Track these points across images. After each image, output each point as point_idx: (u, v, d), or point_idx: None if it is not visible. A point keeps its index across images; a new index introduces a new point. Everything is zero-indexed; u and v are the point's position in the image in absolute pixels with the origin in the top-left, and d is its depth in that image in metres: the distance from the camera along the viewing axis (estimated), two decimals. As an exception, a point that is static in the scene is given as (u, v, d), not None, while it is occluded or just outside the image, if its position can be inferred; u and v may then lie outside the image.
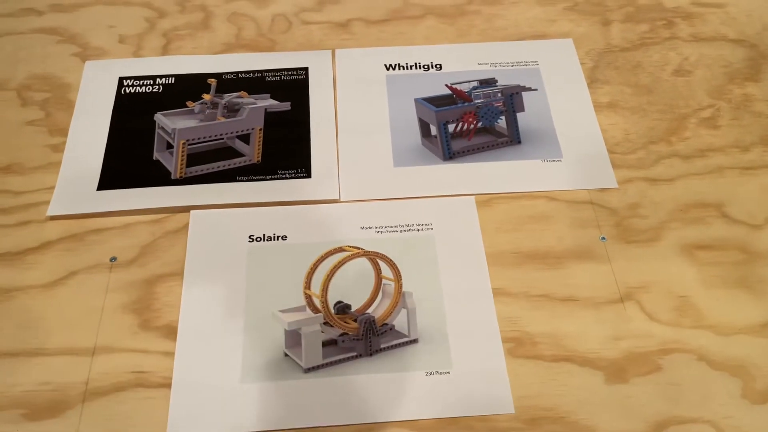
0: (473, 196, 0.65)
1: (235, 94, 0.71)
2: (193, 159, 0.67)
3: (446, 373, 0.55)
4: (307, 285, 0.58)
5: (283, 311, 0.57)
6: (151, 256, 0.61)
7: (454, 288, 0.59)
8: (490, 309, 0.58)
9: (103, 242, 0.62)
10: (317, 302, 0.57)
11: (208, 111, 0.69)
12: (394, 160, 0.68)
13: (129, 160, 0.67)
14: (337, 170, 0.67)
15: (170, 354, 0.56)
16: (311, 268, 0.58)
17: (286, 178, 0.66)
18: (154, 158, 0.68)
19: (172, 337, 0.56)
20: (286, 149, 0.68)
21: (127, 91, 0.73)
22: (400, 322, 0.58)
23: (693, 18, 0.80)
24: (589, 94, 0.73)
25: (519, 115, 0.71)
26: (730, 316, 0.58)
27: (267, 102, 0.70)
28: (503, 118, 0.71)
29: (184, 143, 0.67)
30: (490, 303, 0.58)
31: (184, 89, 0.72)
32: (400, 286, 0.59)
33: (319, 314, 0.57)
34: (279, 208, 0.64)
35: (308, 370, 0.55)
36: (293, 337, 0.56)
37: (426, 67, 0.75)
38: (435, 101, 0.71)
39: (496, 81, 0.73)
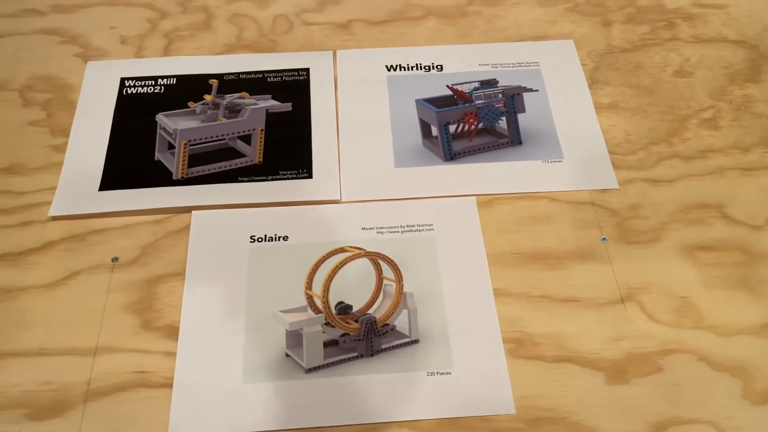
0: (474, 197, 0.65)
1: (236, 94, 0.71)
2: (194, 159, 0.67)
3: (447, 373, 0.55)
4: (309, 285, 0.58)
5: (284, 311, 0.57)
6: (153, 257, 0.61)
7: (455, 288, 0.59)
8: (491, 309, 0.58)
9: (105, 242, 0.62)
10: (318, 303, 0.57)
11: (209, 112, 0.69)
12: (395, 161, 0.68)
13: (131, 160, 0.67)
14: (338, 171, 0.67)
15: (172, 354, 0.56)
16: (312, 269, 0.58)
17: (288, 178, 0.66)
18: (155, 159, 0.68)
19: (174, 337, 0.57)
20: (287, 150, 0.69)
21: (129, 91, 0.73)
22: (401, 322, 0.58)
23: (694, 19, 0.81)
24: (590, 95, 0.73)
25: (520, 115, 0.71)
26: (730, 316, 0.58)
27: (268, 103, 0.71)
28: (504, 118, 0.71)
29: (185, 144, 0.67)
30: (491, 303, 0.59)
31: (186, 90, 0.72)
32: (401, 287, 0.59)
33: (320, 315, 0.57)
34: (280, 209, 0.64)
35: (309, 371, 0.55)
36: (294, 338, 0.56)
37: (427, 67, 0.75)
38: (436, 102, 0.71)
39: (497, 82, 0.73)
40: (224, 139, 0.70)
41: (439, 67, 0.75)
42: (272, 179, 0.66)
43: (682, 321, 0.58)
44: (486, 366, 0.55)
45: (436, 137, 0.69)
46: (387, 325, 0.58)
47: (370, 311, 0.59)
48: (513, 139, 0.70)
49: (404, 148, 0.69)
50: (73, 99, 0.72)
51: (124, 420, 0.53)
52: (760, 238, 0.63)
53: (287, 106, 0.71)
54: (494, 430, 0.53)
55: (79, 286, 0.59)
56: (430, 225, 0.63)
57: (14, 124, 0.70)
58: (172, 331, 0.57)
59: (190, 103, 0.70)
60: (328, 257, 0.59)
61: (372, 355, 0.57)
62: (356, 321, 0.58)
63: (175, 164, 0.67)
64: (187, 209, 0.64)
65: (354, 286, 0.60)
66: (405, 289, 0.59)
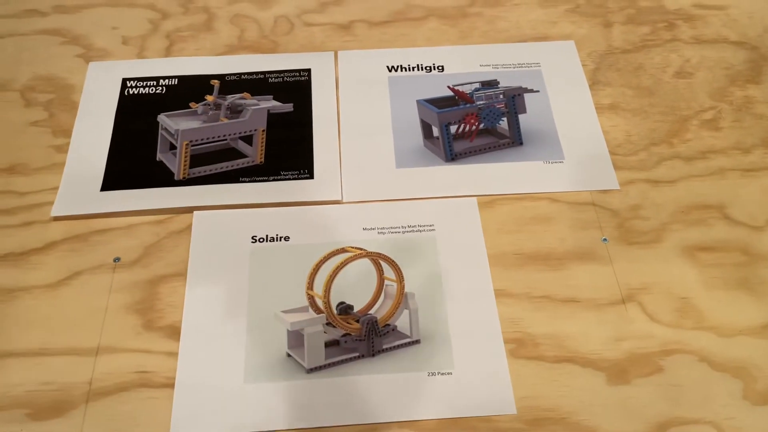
0: (475, 198, 0.65)
1: (237, 95, 0.71)
2: (196, 160, 0.68)
3: (448, 373, 0.55)
4: (310, 285, 0.58)
5: (285, 312, 0.57)
6: (155, 257, 0.61)
7: (456, 289, 0.60)
8: (492, 310, 0.58)
9: (107, 243, 0.62)
10: (320, 303, 0.58)
11: (211, 112, 0.70)
12: (396, 162, 0.68)
13: (132, 161, 0.67)
14: (339, 171, 0.67)
15: (173, 354, 0.56)
16: (314, 269, 0.58)
17: (289, 179, 0.66)
18: (157, 159, 0.68)
19: (176, 337, 0.57)
20: (288, 150, 0.69)
21: (131, 92, 0.73)
22: (402, 322, 0.59)
23: (694, 20, 0.81)
24: (590, 96, 0.73)
25: (521, 116, 0.71)
26: (731, 317, 0.59)
27: (270, 103, 0.71)
28: (505, 119, 0.72)
29: (187, 144, 0.67)
30: (492, 304, 0.59)
31: (188, 90, 0.72)
32: (403, 287, 0.59)
33: (321, 315, 0.57)
34: (282, 209, 0.64)
35: (311, 371, 0.55)
36: (296, 338, 0.56)
37: (428, 68, 0.76)
38: (437, 103, 0.71)
39: (498, 82, 0.73)
40: (226, 140, 0.70)
41: (440, 67, 0.76)
42: (274, 180, 0.66)
43: (683, 321, 0.58)
44: (487, 366, 0.56)
45: (437, 138, 0.70)
46: (388, 325, 0.58)
47: (372, 311, 0.59)
48: (514, 140, 0.71)
49: (405, 149, 0.69)
50: (75, 99, 0.72)
51: (125, 420, 0.53)
52: (761, 238, 0.63)
53: (288, 107, 0.71)
54: (495, 430, 0.53)
55: (81, 286, 0.59)
56: (431, 225, 0.63)
57: (16, 124, 0.70)
58: (173, 331, 0.57)
59: (191, 104, 0.71)
60: (329, 257, 0.59)
61: (373, 355, 0.57)
62: (357, 321, 0.58)
63: (176, 165, 0.67)
64: (189, 209, 0.64)
65: (355, 287, 0.60)
66: (406, 290, 0.59)
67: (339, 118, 0.71)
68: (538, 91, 0.73)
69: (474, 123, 0.71)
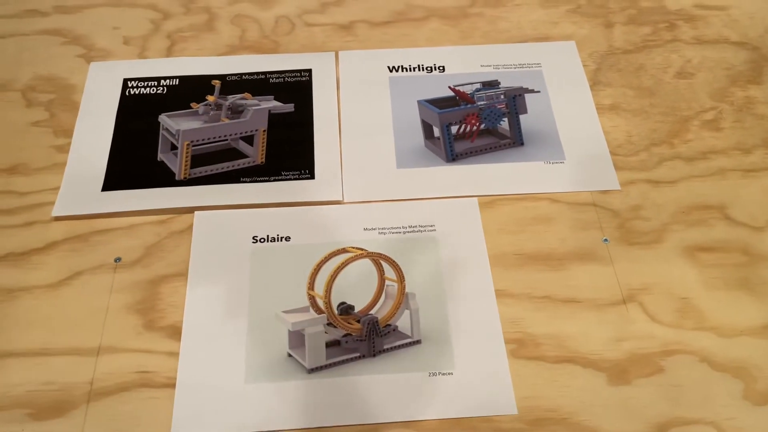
0: (476, 198, 0.65)
1: (238, 95, 0.71)
2: (197, 160, 0.68)
3: (449, 374, 0.55)
4: (311, 286, 0.58)
5: (286, 312, 0.57)
6: (156, 257, 0.61)
7: (457, 289, 0.60)
8: (492, 310, 0.58)
9: (108, 243, 0.62)
10: (321, 303, 0.58)
11: (212, 112, 0.70)
12: (397, 162, 0.68)
13: (133, 161, 0.68)
14: (340, 171, 0.67)
15: (174, 354, 0.56)
16: (315, 269, 0.58)
17: (290, 179, 0.66)
18: (158, 159, 0.68)
19: (177, 337, 0.57)
20: (289, 151, 0.69)
21: (132, 92, 0.73)
22: (403, 323, 0.59)
23: (695, 20, 0.81)
24: (591, 96, 0.73)
25: (522, 117, 0.71)
26: (732, 317, 0.59)
27: (271, 103, 0.71)
28: (506, 119, 0.72)
29: (188, 144, 0.67)
30: (493, 304, 0.59)
31: (189, 91, 0.73)
32: (403, 287, 0.59)
33: (322, 315, 0.57)
34: (282, 209, 0.64)
35: (312, 371, 0.55)
36: (297, 338, 0.56)
37: (429, 69, 0.76)
38: (438, 103, 0.71)
39: (499, 83, 0.73)
40: (227, 140, 0.70)
41: (441, 68, 0.76)
42: (275, 180, 0.66)
43: (684, 322, 0.58)
44: (488, 366, 0.56)
45: (438, 138, 0.70)
46: (389, 325, 0.58)
47: (372, 312, 0.59)
48: (515, 140, 0.71)
49: (406, 149, 0.69)
50: (76, 99, 0.72)
51: (126, 420, 0.53)
52: (762, 239, 0.63)
53: (289, 107, 0.71)
54: (496, 430, 0.53)
55: (82, 287, 0.60)
56: (432, 226, 0.63)
57: (17, 124, 0.70)
58: (174, 331, 0.57)
59: (192, 104, 0.71)
60: (330, 258, 0.59)
61: (374, 355, 0.57)
62: (358, 321, 0.58)
63: (177, 165, 0.67)
64: (190, 210, 0.64)
65: (356, 287, 0.60)
66: (407, 290, 0.59)
67: (340, 119, 0.71)
68: (539, 92, 0.73)
69: (475, 123, 0.71)
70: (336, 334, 0.57)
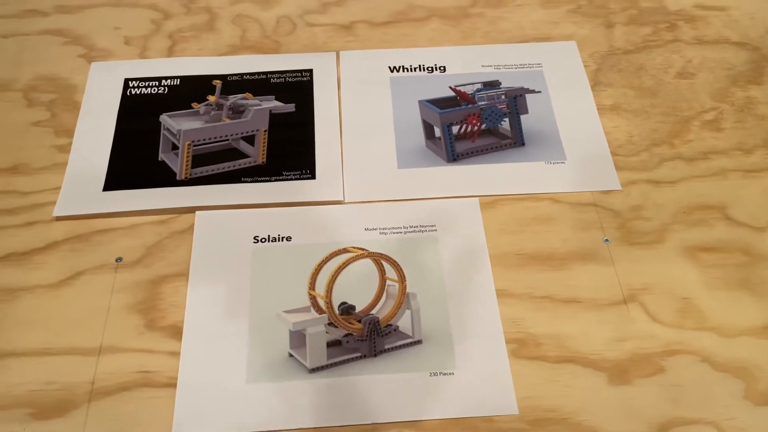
0: (477, 198, 0.65)
1: (239, 95, 0.71)
2: (198, 160, 0.68)
3: (450, 373, 0.55)
4: (312, 286, 0.58)
5: (287, 312, 0.57)
6: (157, 257, 0.61)
7: (458, 289, 0.60)
8: (493, 310, 0.58)
9: (109, 243, 0.62)
10: (322, 303, 0.58)
11: (213, 112, 0.70)
12: (398, 162, 0.68)
13: (134, 161, 0.68)
14: (341, 171, 0.67)
15: (176, 354, 0.56)
16: (316, 269, 0.58)
17: (291, 179, 0.67)
18: (159, 159, 0.68)
19: (178, 337, 0.57)
20: (290, 151, 0.69)
21: (133, 92, 0.73)
22: (404, 323, 0.59)
23: (696, 21, 0.81)
24: (592, 97, 0.73)
25: (523, 117, 0.71)
26: (732, 317, 0.59)
27: (272, 103, 0.71)
28: (507, 120, 0.72)
29: (189, 144, 0.67)
30: (494, 304, 0.59)
31: (190, 91, 0.73)
32: (404, 287, 0.59)
33: (323, 315, 0.57)
34: (284, 209, 0.65)
35: (313, 371, 0.55)
36: (298, 338, 0.56)
37: (430, 69, 0.76)
38: (439, 103, 0.71)
39: (500, 83, 0.73)
40: (228, 140, 0.70)
41: (442, 68, 0.76)
42: (275, 180, 0.66)
43: (685, 322, 0.58)
44: (489, 366, 0.56)
45: (439, 138, 0.70)
46: (390, 325, 0.58)
47: (373, 312, 0.59)
48: (516, 141, 0.71)
49: (407, 149, 0.69)
50: (77, 99, 0.72)
51: (128, 420, 0.53)
52: (763, 239, 0.63)
53: (290, 107, 0.71)
54: (497, 430, 0.53)
55: (83, 286, 0.60)
56: (432, 226, 0.63)
57: (18, 124, 0.70)
58: (175, 331, 0.57)
59: (193, 104, 0.71)
60: (331, 258, 0.59)
61: (375, 355, 0.57)
62: (359, 321, 0.58)
63: (178, 165, 0.67)
64: (191, 209, 0.64)
65: (357, 287, 0.60)
66: (408, 290, 0.59)
67: (341, 119, 0.71)
68: (539, 92, 0.73)
69: (476, 123, 0.71)
70: (337, 334, 0.57)
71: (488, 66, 0.76)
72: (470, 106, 0.71)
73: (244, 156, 0.69)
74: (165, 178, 0.66)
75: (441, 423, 0.53)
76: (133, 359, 0.56)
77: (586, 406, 0.54)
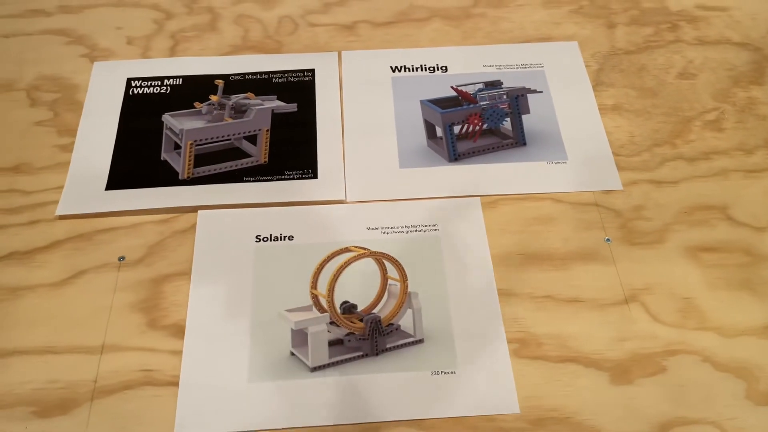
0: (478, 198, 0.65)
1: (242, 95, 0.71)
2: (200, 159, 0.68)
3: (452, 373, 0.55)
4: (314, 285, 0.58)
5: (289, 311, 0.58)
6: (159, 256, 0.61)
7: (460, 288, 0.60)
8: (495, 310, 0.59)
9: (112, 242, 0.62)
10: (323, 302, 0.58)
11: (215, 112, 0.70)
12: (399, 161, 0.68)
13: (137, 160, 0.68)
14: (343, 171, 0.67)
15: (178, 353, 0.56)
16: (317, 268, 0.59)
17: (293, 178, 0.67)
18: (161, 159, 0.68)
19: (180, 335, 0.57)
20: (292, 150, 0.69)
21: (135, 92, 0.73)
22: (405, 322, 0.59)
23: (697, 21, 0.81)
24: (594, 97, 0.73)
25: (524, 117, 0.72)
26: (734, 317, 0.59)
27: (274, 103, 0.71)
28: (508, 120, 0.72)
29: (191, 144, 0.67)
30: (496, 304, 0.59)
31: (192, 90, 0.73)
32: (406, 287, 0.59)
33: (325, 314, 0.57)
34: (285, 209, 0.65)
35: (314, 370, 0.56)
36: (300, 337, 0.57)
37: (432, 69, 0.76)
38: (440, 103, 0.72)
39: (502, 83, 0.73)
40: (230, 140, 0.70)
41: (443, 68, 0.76)
42: (277, 179, 0.67)
43: (686, 322, 0.58)
44: (490, 366, 0.56)
45: (441, 138, 0.70)
46: (392, 324, 0.58)
47: (375, 311, 0.59)
48: (517, 140, 0.71)
49: (409, 149, 0.69)
50: (80, 99, 0.72)
51: (130, 418, 0.53)
52: (764, 239, 0.63)
53: (292, 107, 0.71)
54: (498, 429, 0.53)
55: (85, 285, 0.60)
56: (434, 225, 0.64)
57: (21, 123, 0.70)
58: (178, 330, 0.57)
59: (196, 104, 0.71)
60: (333, 257, 0.59)
61: (377, 354, 0.57)
62: (361, 320, 0.58)
63: (181, 164, 0.67)
64: (193, 209, 0.64)
65: (359, 286, 0.60)
66: (409, 289, 0.59)
67: (343, 118, 0.71)
68: (541, 92, 0.73)
69: (477, 123, 0.71)
70: (339, 333, 0.57)
71: (490, 66, 0.76)
72: (472, 106, 0.72)
73: (246, 155, 0.69)
74: (167, 177, 0.66)
75: (442, 422, 0.53)
76: (135, 358, 0.56)
77: (588, 406, 0.54)
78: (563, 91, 0.74)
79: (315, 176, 0.67)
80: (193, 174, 0.67)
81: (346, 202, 0.65)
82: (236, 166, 0.68)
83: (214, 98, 0.70)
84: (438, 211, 0.64)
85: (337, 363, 0.56)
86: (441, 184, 0.67)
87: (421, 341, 0.57)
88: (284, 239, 0.63)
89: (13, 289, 0.59)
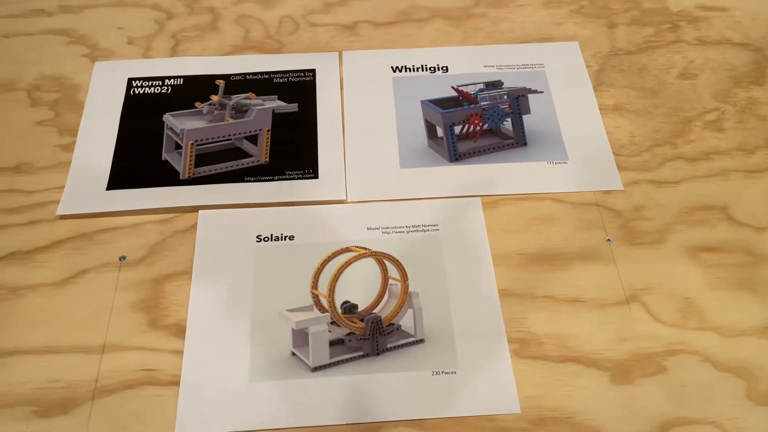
0: (479, 198, 0.66)
1: (242, 95, 0.71)
2: (201, 159, 0.68)
3: (452, 372, 0.55)
4: (315, 285, 0.58)
5: (290, 310, 0.58)
6: (160, 256, 0.62)
7: (460, 288, 0.60)
8: (496, 309, 0.59)
9: (113, 241, 0.62)
10: (324, 302, 0.58)
11: (216, 112, 0.70)
12: (400, 162, 0.68)
13: (138, 160, 0.68)
14: (343, 171, 0.67)
15: (179, 352, 0.56)
16: (318, 268, 0.59)
17: (294, 178, 0.67)
18: (162, 158, 0.68)
19: (181, 335, 0.57)
20: (293, 150, 0.69)
21: (136, 91, 0.73)
22: (406, 322, 0.59)
23: (698, 21, 0.81)
24: (594, 97, 0.73)
25: (525, 117, 0.72)
26: (734, 317, 0.59)
27: (274, 103, 0.71)
28: (509, 120, 0.72)
29: (192, 144, 0.67)
30: (496, 303, 0.59)
31: (193, 90, 0.73)
32: (407, 287, 0.59)
33: (326, 314, 0.57)
34: (286, 209, 0.65)
35: (315, 369, 0.56)
36: (300, 337, 0.57)
37: (432, 69, 0.76)
38: (441, 103, 0.72)
39: (502, 83, 0.73)
40: (231, 140, 0.70)
41: (444, 68, 0.76)
42: (278, 179, 0.67)
43: (687, 322, 0.58)
44: (491, 365, 0.56)
45: (442, 138, 0.70)
46: (392, 324, 0.58)
47: (376, 311, 0.59)
48: (518, 141, 0.71)
49: (409, 149, 0.69)
50: (81, 99, 0.73)
51: (131, 417, 0.53)
52: (764, 239, 0.63)
53: (293, 107, 0.72)
54: (499, 429, 0.53)
55: (86, 285, 0.60)
56: (435, 225, 0.64)
57: (22, 123, 0.71)
58: (179, 330, 0.57)
59: (196, 104, 0.71)
60: (333, 257, 0.59)
61: (377, 354, 0.57)
62: (362, 320, 0.58)
63: (182, 164, 0.67)
64: (194, 209, 0.64)
65: (359, 286, 0.60)
66: (410, 289, 0.59)
67: (343, 118, 0.71)
68: (542, 92, 0.73)
69: (478, 123, 0.71)
70: (339, 332, 0.57)
71: (490, 66, 0.76)
72: (472, 106, 0.72)
73: (247, 155, 0.69)
74: (168, 177, 0.67)
75: (443, 422, 0.53)
76: (136, 357, 0.56)
77: (588, 406, 0.54)
78: (564, 91, 0.74)
79: (316, 176, 0.67)
80: (193, 174, 0.67)
81: (347, 202, 0.65)
82: (237, 166, 0.68)
83: (215, 98, 0.70)
84: (439, 211, 0.65)
85: (338, 363, 0.56)
86: (442, 184, 0.67)
87: (421, 341, 0.57)
88: (285, 239, 0.63)
89: (14, 288, 0.60)
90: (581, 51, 0.77)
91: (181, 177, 0.67)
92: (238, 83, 0.74)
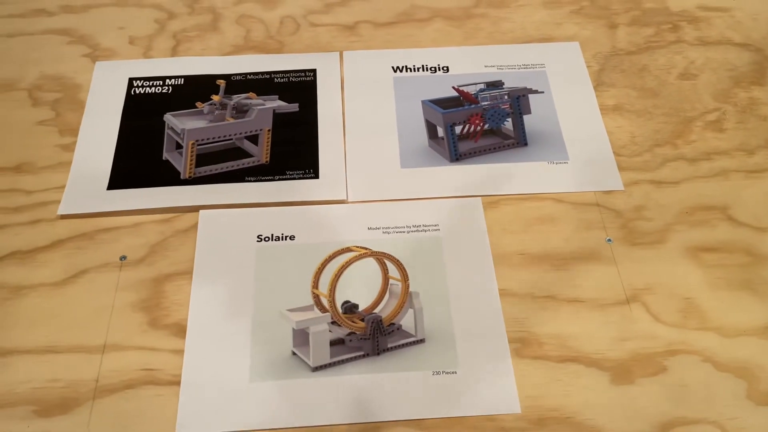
0: (480, 198, 0.66)
1: (243, 95, 0.71)
2: (202, 159, 0.68)
3: (453, 372, 0.55)
4: (315, 284, 0.58)
5: (291, 310, 0.58)
6: (161, 255, 0.62)
7: (461, 288, 0.60)
8: (496, 309, 0.59)
9: (113, 241, 0.62)
10: (325, 302, 0.58)
11: (217, 112, 0.70)
12: (401, 162, 0.68)
13: (139, 160, 0.68)
14: (344, 171, 0.67)
15: (179, 352, 0.56)
16: (319, 268, 0.59)
17: (294, 178, 0.67)
18: (163, 158, 0.68)
19: (181, 335, 0.57)
20: (294, 150, 0.69)
21: (137, 91, 0.73)
22: (407, 321, 0.59)
23: (699, 22, 0.81)
24: (595, 97, 0.73)
25: (525, 117, 0.72)
26: (734, 317, 0.59)
27: (275, 103, 0.71)
28: (510, 120, 0.72)
29: (193, 144, 0.67)
30: (497, 303, 0.59)
31: (194, 90, 0.73)
32: (407, 287, 0.59)
33: (326, 313, 0.58)
34: (287, 209, 0.65)
35: (316, 369, 0.56)
36: (301, 336, 0.57)
37: (433, 69, 0.76)
38: (442, 103, 0.72)
39: (503, 83, 0.74)
40: (231, 139, 0.70)
41: (445, 68, 0.76)
42: (279, 179, 0.67)
43: (687, 322, 0.58)
44: (491, 365, 0.56)
45: (442, 138, 0.70)
46: (393, 324, 0.58)
47: (376, 310, 0.59)
48: (518, 141, 0.71)
49: (410, 149, 0.69)
50: (82, 99, 0.73)
51: (131, 417, 0.53)
52: (765, 240, 0.63)
53: (294, 107, 0.72)
54: (499, 429, 0.53)
55: (87, 284, 0.60)
56: (435, 225, 0.64)
57: (23, 123, 0.71)
58: (179, 329, 0.57)
59: (197, 104, 0.71)
60: (334, 257, 0.59)
61: (378, 354, 0.57)
62: (362, 320, 0.58)
63: (182, 164, 0.67)
64: (195, 208, 0.64)
65: (360, 286, 0.60)
66: (411, 289, 0.59)
67: (344, 118, 0.72)
68: (542, 92, 0.73)
69: (479, 123, 0.71)
70: (340, 332, 0.58)
71: (491, 66, 0.76)
72: (473, 106, 0.72)
73: (248, 155, 0.69)
74: (169, 177, 0.67)
75: (443, 421, 0.53)
76: (136, 357, 0.56)
77: (589, 406, 0.54)
78: (564, 91, 0.74)
79: (316, 176, 0.67)
80: (194, 174, 0.67)
81: (348, 202, 0.65)
82: (238, 165, 0.68)
83: (215, 98, 0.71)
84: (439, 211, 0.65)
85: (339, 363, 0.56)
86: (442, 184, 0.67)
87: (422, 341, 0.57)
88: (285, 239, 0.63)
89: (15, 288, 0.60)
90: (582, 51, 0.77)
91: (181, 177, 0.67)
92: (238, 83, 0.74)
